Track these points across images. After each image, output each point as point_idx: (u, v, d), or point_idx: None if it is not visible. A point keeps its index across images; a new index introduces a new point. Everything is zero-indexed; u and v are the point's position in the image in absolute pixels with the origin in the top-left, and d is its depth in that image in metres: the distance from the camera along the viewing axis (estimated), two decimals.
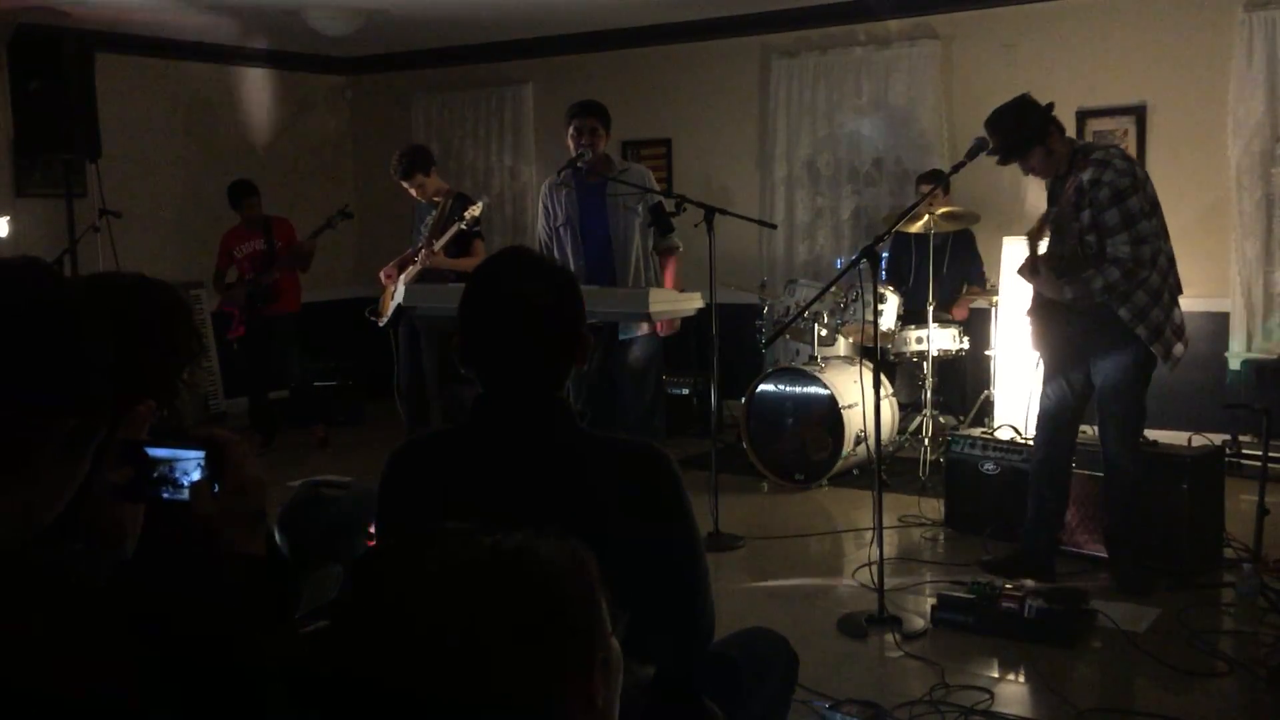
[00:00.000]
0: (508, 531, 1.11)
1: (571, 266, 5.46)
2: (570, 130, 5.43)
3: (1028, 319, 4.61)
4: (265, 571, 1.43)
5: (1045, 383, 4.64)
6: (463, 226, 6.10)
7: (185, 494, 1.45)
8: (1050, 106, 4.38)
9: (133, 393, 1.50)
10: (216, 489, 1.43)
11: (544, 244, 5.65)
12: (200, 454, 1.44)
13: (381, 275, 6.59)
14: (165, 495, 1.45)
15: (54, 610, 1.13)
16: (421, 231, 6.55)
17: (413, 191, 6.55)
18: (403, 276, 6.37)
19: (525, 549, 1.08)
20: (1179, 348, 4.37)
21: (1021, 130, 4.33)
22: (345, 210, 7.38)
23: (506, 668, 1.01)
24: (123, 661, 1.11)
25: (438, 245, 6.25)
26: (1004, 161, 4.46)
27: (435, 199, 6.51)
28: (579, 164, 5.40)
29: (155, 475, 1.45)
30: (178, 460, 1.45)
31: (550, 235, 5.62)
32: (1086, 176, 4.23)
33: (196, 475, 1.44)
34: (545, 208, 5.62)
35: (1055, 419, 4.58)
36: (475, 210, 6.08)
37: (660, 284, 5.55)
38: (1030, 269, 4.41)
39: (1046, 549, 4.61)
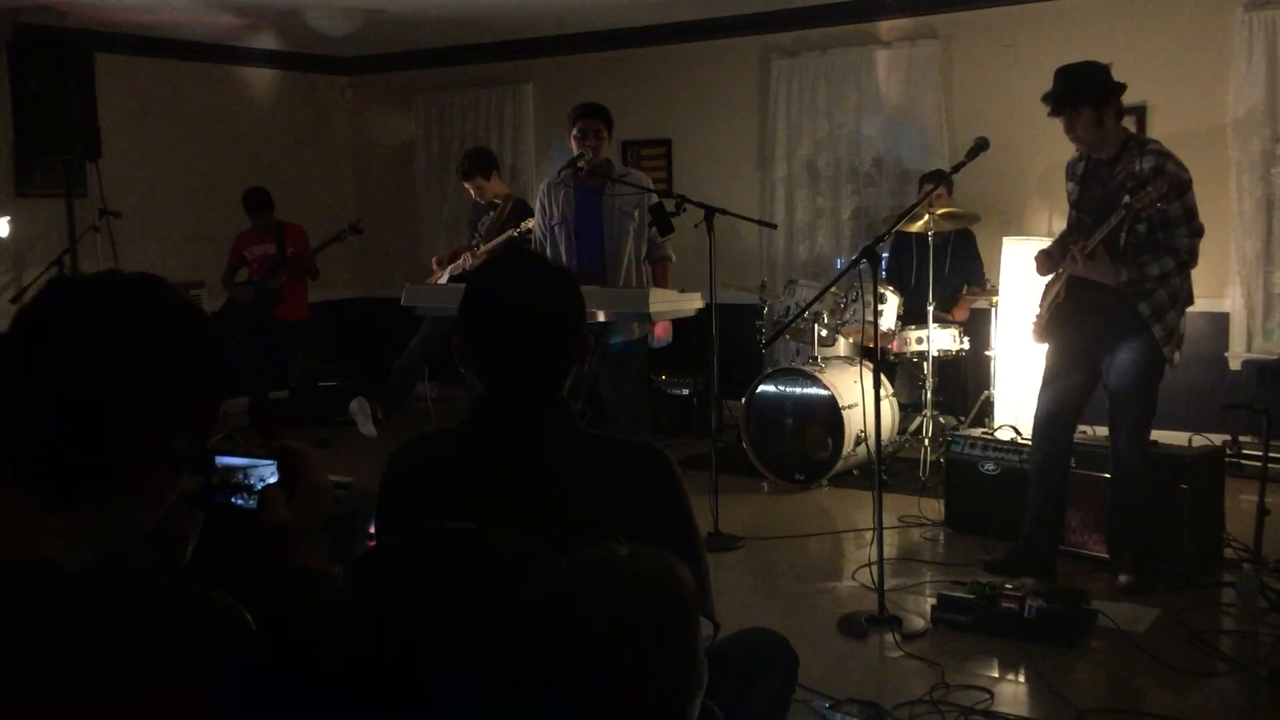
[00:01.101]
0: (622, 546, 1.12)
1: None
2: (574, 131, 5.43)
3: (1040, 312, 4.59)
4: (325, 585, 1.44)
5: (1046, 383, 4.62)
6: (514, 234, 6.24)
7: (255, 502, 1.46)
8: (1121, 87, 4.33)
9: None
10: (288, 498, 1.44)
11: (539, 242, 5.66)
12: (271, 464, 1.46)
13: (433, 262, 6.90)
14: (239, 502, 1.46)
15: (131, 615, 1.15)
16: (479, 231, 6.78)
17: (471, 192, 6.84)
18: (449, 268, 6.66)
19: (659, 567, 1.09)
20: (1176, 355, 4.39)
21: (1083, 84, 4.28)
22: (356, 225, 7.56)
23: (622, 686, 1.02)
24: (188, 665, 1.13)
25: (483, 249, 6.46)
26: (1054, 111, 4.34)
27: (495, 201, 6.73)
28: (580, 165, 5.40)
29: (232, 483, 1.46)
30: (252, 468, 1.46)
31: (545, 234, 5.63)
32: (1147, 165, 4.21)
33: (271, 482, 1.46)
34: (542, 206, 5.63)
35: (1055, 419, 4.58)
36: (530, 223, 6.21)
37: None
38: (1085, 254, 4.29)
39: (1047, 549, 4.61)
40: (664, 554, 1.13)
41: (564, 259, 5.47)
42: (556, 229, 5.55)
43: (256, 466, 1.47)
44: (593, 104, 5.53)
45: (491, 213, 6.73)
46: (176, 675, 1.10)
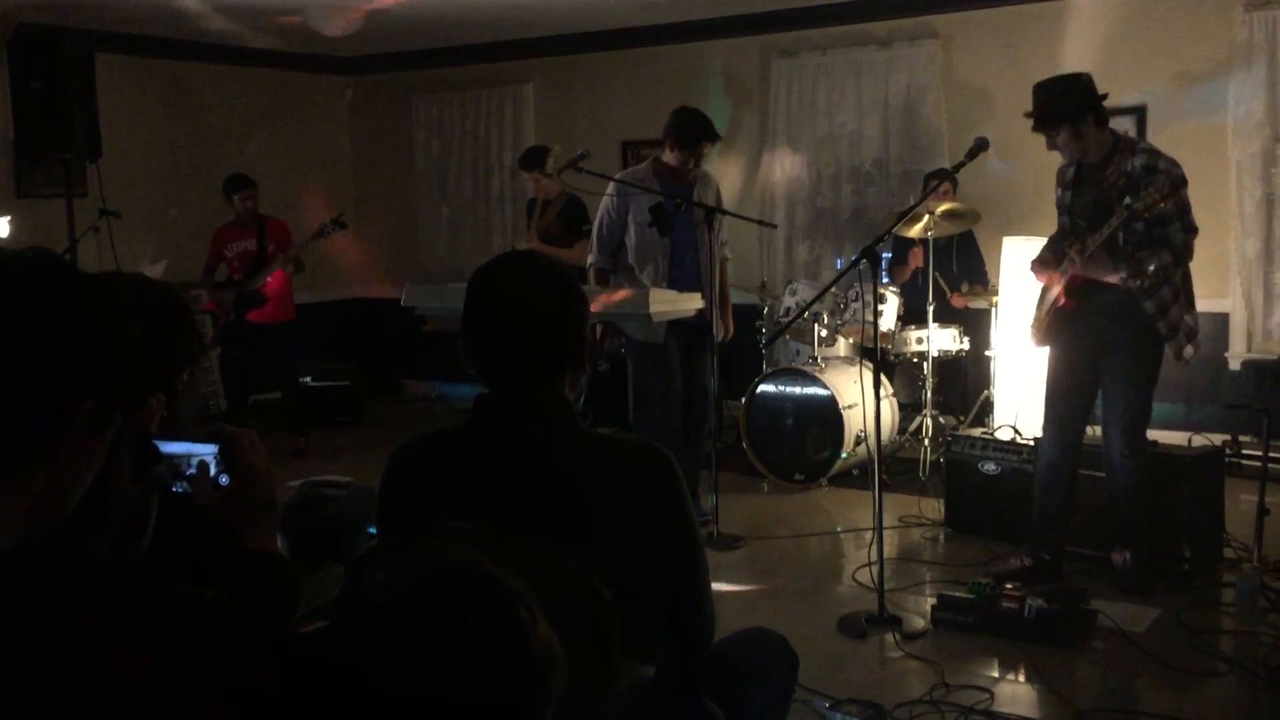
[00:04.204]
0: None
1: (654, 262, 5.39)
2: (681, 151, 5.30)
3: (1038, 314, 4.60)
4: (275, 566, 1.44)
5: (1052, 387, 4.62)
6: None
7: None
8: (1101, 96, 4.34)
9: (157, 387, 1.52)
10: (226, 481, 1.45)
11: (607, 236, 5.48)
12: (213, 448, 1.46)
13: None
14: (176, 489, 1.47)
15: (88, 599, 1.15)
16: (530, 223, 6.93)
17: (530, 186, 6.95)
18: None
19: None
20: (1189, 350, 4.38)
21: (1055, 104, 4.32)
22: (338, 219, 7.22)
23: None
24: (149, 651, 1.13)
25: (531, 238, 6.62)
26: (1034, 128, 4.41)
27: (548, 196, 6.80)
28: (579, 164, 5.39)
29: (173, 470, 1.48)
30: (190, 455, 1.47)
31: (622, 230, 5.42)
32: (1139, 163, 4.24)
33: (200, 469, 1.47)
34: (619, 203, 5.43)
35: (1062, 424, 4.57)
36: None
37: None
38: (1081, 254, 4.33)
39: (1055, 551, 4.61)
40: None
41: (657, 257, 5.36)
42: (647, 227, 5.33)
43: (193, 454, 1.48)
44: (702, 127, 5.36)
45: (547, 205, 6.83)
46: (122, 655, 1.10)
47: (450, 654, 1.00)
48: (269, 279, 7.12)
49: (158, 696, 1.11)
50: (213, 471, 1.48)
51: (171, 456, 1.49)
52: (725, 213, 5.36)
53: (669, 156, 5.38)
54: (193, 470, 1.48)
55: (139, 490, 1.49)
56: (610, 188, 5.52)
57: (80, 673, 1.07)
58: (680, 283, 5.35)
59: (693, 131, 5.33)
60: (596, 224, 5.59)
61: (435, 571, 1.06)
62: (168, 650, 1.14)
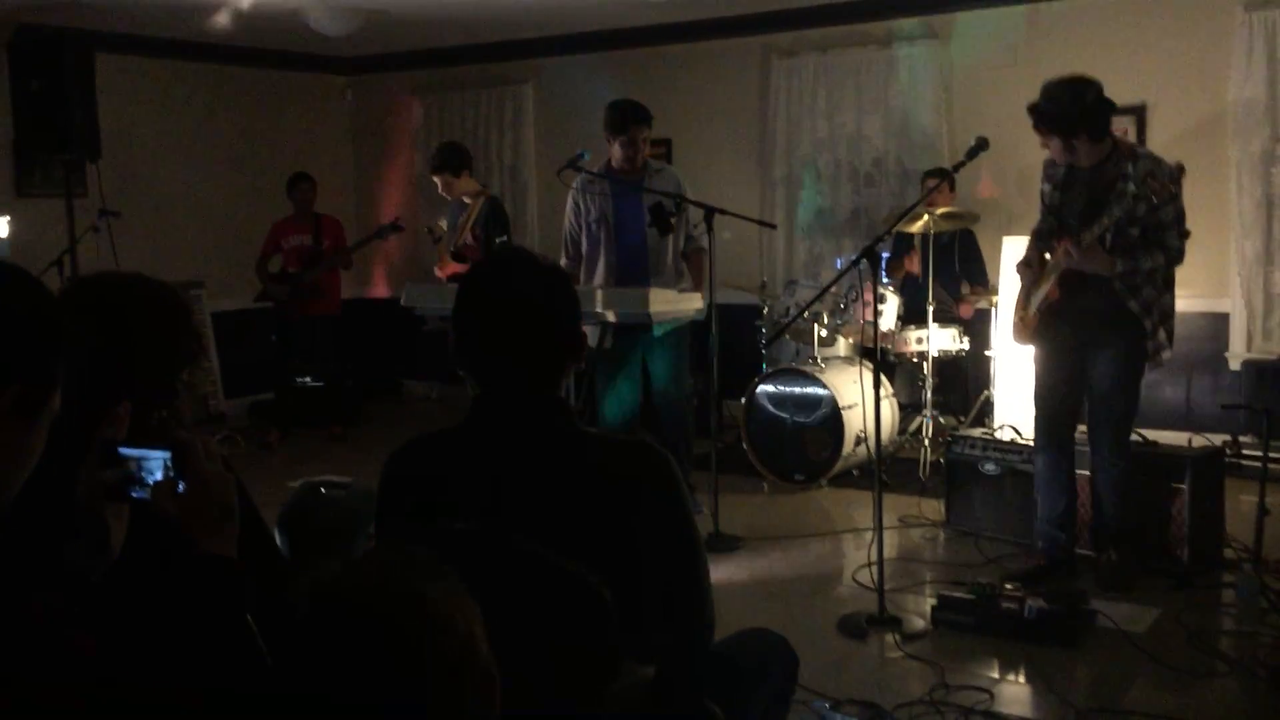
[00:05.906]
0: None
1: (602, 262, 5.47)
2: (620, 139, 5.39)
3: (1022, 313, 4.60)
4: (231, 571, 1.44)
5: (1042, 385, 4.63)
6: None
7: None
8: (1109, 107, 4.33)
9: (126, 393, 1.52)
10: (181, 487, 1.45)
11: (570, 238, 5.66)
12: (166, 454, 1.46)
13: (438, 271, 6.65)
14: (135, 494, 1.47)
15: (56, 603, 1.15)
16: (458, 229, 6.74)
17: (439, 186, 6.66)
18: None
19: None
20: (1166, 354, 4.42)
21: (1052, 114, 4.33)
22: (396, 223, 7.62)
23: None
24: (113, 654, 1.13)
25: (447, 252, 6.49)
26: (1033, 126, 4.45)
27: (464, 200, 6.62)
28: (580, 164, 5.41)
29: (131, 475, 1.47)
30: (145, 460, 1.47)
31: (580, 230, 5.60)
32: (1142, 170, 4.24)
33: (160, 474, 1.47)
34: (575, 204, 5.61)
35: (1055, 422, 4.58)
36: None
37: (689, 282, 5.62)
38: (1077, 247, 4.32)
39: (1066, 550, 4.61)
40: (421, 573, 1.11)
41: (602, 255, 5.46)
42: (594, 225, 5.50)
43: (147, 459, 1.47)
44: (631, 111, 5.44)
45: (462, 213, 6.61)
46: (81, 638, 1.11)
47: (355, 650, 1.01)
48: (321, 274, 7.55)
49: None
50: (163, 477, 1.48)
51: (128, 462, 1.48)
52: (725, 212, 5.36)
53: (614, 154, 5.48)
54: (155, 476, 1.47)
55: (91, 494, 1.48)
56: (571, 192, 5.63)
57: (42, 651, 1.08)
58: (631, 284, 5.38)
59: (618, 117, 5.42)
60: (564, 227, 5.72)
61: (368, 572, 1.07)
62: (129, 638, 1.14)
